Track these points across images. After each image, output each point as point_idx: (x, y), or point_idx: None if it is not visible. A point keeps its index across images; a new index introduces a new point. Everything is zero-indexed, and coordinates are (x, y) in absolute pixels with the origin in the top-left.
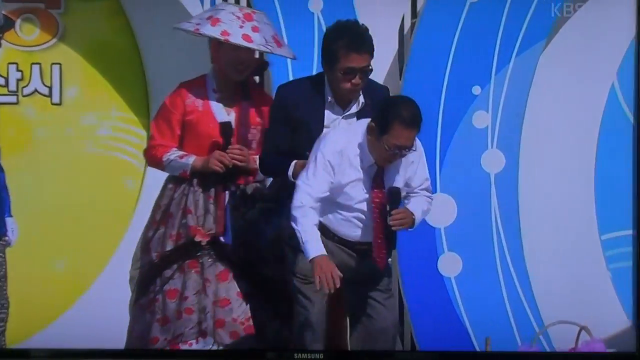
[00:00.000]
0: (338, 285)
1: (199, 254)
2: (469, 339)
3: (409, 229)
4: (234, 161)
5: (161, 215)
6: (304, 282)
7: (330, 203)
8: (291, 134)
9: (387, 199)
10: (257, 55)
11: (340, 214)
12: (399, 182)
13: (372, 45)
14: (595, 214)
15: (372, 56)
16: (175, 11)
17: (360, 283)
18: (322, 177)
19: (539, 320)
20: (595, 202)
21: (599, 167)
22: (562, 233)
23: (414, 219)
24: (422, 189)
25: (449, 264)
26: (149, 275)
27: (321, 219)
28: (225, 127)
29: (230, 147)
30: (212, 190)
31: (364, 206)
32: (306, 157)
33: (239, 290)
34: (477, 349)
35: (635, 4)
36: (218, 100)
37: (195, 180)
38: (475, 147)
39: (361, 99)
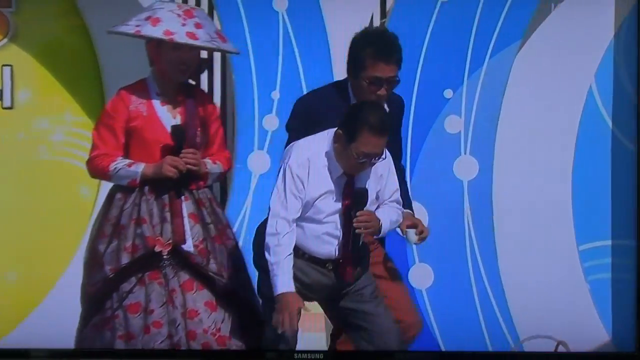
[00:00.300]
0: (295, 329)
1: (160, 264)
2: None
3: (375, 237)
4: (188, 166)
5: (112, 228)
6: None
7: (299, 218)
8: None
9: (352, 200)
10: (200, 54)
11: (310, 229)
12: (370, 195)
13: (401, 56)
14: (573, 223)
15: (399, 67)
16: (133, 10)
17: (342, 299)
18: (294, 196)
19: (514, 334)
20: (573, 211)
21: (577, 174)
22: (539, 243)
23: (380, 225)
24: (391, 201)
25: (420, 276)
26: (103, 292)
27: None
28: (177, 130)
29: (183, 151)
30: (166, 197)
31: (334, 219)
32: None
33: (206, 299)
34: None
35: (614, 4)
36: (162, 104)
37: (146, 188)
38: (447, 153)
39: (385, 107)
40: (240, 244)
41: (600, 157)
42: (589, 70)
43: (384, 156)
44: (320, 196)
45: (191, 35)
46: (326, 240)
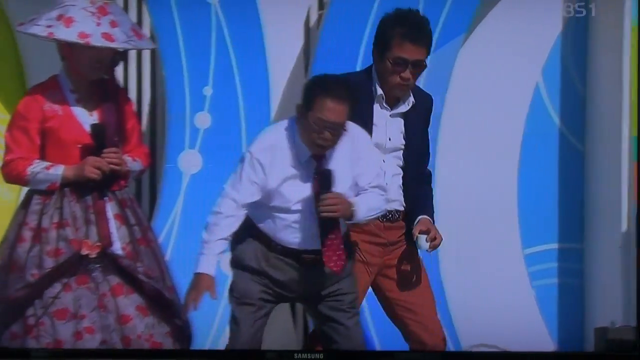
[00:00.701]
0: (195, 309)
1: (88, 267)
2: None
3: (348, 221)
4: (111, 166)
5: (32, 232)
6: (238, 301)
7: (267, 208)
8: None
9: (317, 182)
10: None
11: (281, 218)
12: (345, 180)
13: (431, 39)
14: (518, 225)
15: (428, 52)
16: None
17: (320, 302)
18: (250, 180)
19: (457, 342)
20: (519, 213)
21: (522, 175)
22: (482, 246)
23: (352, 210)
24: (373, 187)
25: None
26: (25, 299)
27: (261, 226)
28: (97, 129)
29: (105, 150)
30: (89, 198)
31: (303, 207)
32: None
33: (137, 304)
34: None
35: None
36: (77, 102)
37: (66, 190)
38: None
39: (411, 98)
40: (172, 244)
41: (547, 157)
42: (536, 66)
43: (345, 128)
44: (284, 181)
45: (107, 36)
46: (297, 228)
